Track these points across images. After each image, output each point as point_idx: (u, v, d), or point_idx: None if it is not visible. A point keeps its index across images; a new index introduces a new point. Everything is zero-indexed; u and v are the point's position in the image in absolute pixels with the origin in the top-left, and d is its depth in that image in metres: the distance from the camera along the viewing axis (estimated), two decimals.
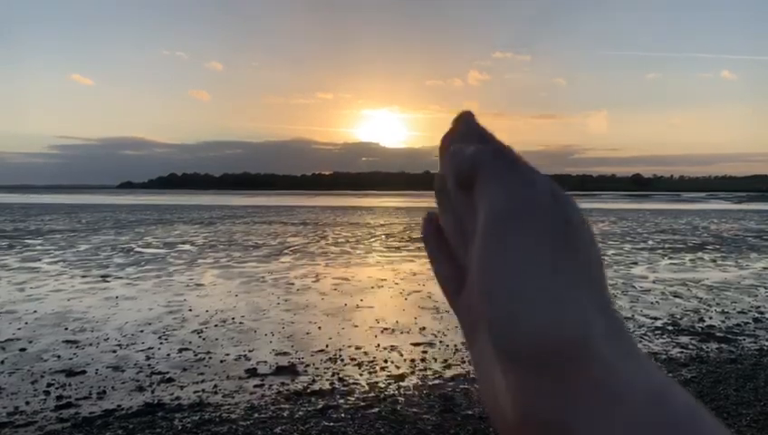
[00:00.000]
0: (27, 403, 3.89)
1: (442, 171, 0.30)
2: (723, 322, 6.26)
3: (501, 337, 0.23)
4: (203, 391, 4.14)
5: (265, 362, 4.79)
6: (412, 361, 4.82)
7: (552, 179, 0.26)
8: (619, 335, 0.23)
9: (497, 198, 0.25)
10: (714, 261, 11.40)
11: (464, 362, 4.81)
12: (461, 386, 4.22)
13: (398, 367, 4.65)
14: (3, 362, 4.76)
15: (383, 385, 4.24)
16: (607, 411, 0.21)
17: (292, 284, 8.63)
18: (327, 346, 5.23)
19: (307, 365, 4.70)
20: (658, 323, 6.17)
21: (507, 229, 0.24)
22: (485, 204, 0.25)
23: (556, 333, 0.22)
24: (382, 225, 22.29)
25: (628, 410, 0.21)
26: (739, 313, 6.72)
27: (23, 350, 5.10)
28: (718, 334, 5.73)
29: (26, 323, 6.08)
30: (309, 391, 4.14)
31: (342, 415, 3.70)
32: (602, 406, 0.22)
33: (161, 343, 5.33)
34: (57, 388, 4.17)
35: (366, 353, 5.02)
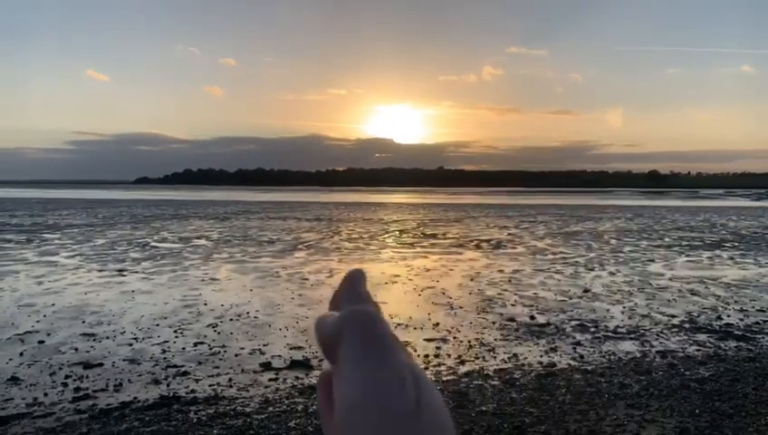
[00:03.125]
0: (46, 395, 3.95)
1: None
2: (741, 320, 6.18)
3: None
4: (218, 384, 4.17)
5: (280, 356, 4.82)
6: (426, 356, 4.82)
7: (408, 355, 0.30)
8: None
9: (350, 383, 0.28)
10: (732, 259, 11.24)
11: (477, 358, 4.79)
12: (475, 382, 4.21)
13: None
14: (22, 353, 4.84)
15: None
16: None
17: (306, 279, 8.67)
18: None
19: (321, 360, 4.70)
20: (675, 321, 6.10)
21: (354, 421, 0.27)
22: (340, 384, 0.29)
23: None
24: (396, 221, 22.29)
25: None
26: (758, 311, 6.63)
27: (41, 342, 5.17)
28: (736, 332, 5.66)
29: (45, 315, 6.17)
30: None
31: None
32: None
33: (177, 337, 5.38)
34: (75, 380, 4.23)
35: None
